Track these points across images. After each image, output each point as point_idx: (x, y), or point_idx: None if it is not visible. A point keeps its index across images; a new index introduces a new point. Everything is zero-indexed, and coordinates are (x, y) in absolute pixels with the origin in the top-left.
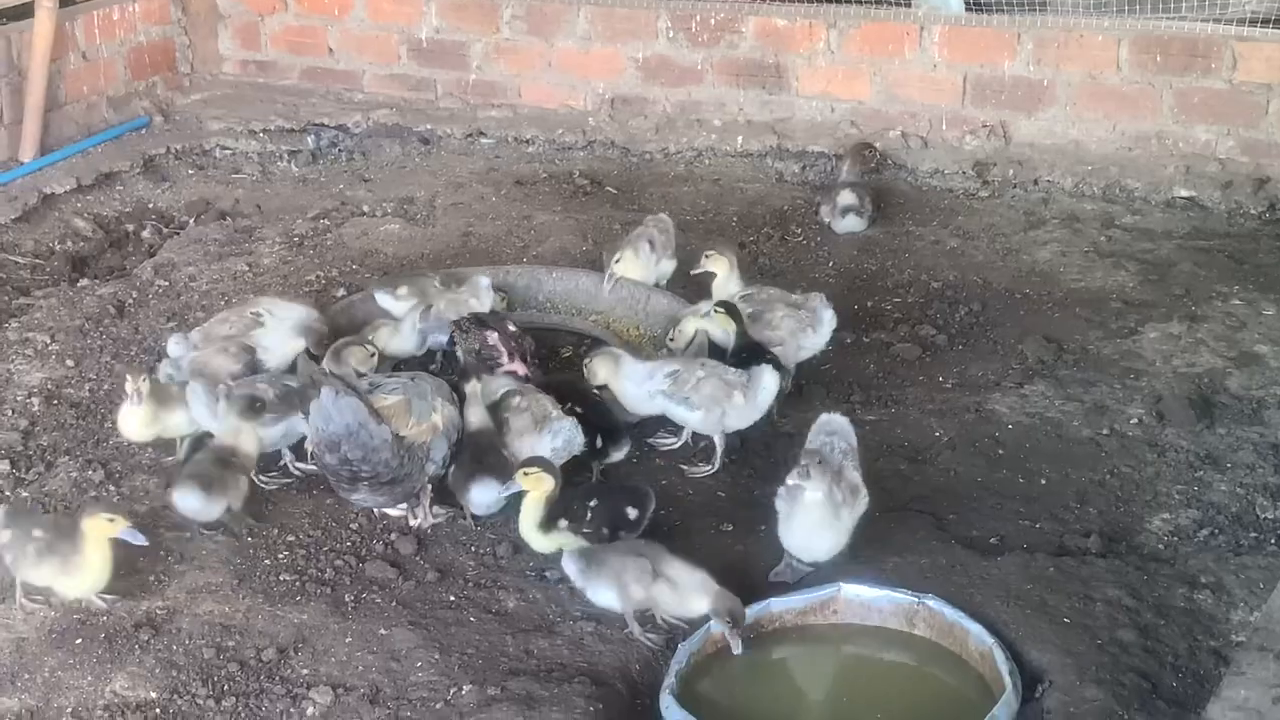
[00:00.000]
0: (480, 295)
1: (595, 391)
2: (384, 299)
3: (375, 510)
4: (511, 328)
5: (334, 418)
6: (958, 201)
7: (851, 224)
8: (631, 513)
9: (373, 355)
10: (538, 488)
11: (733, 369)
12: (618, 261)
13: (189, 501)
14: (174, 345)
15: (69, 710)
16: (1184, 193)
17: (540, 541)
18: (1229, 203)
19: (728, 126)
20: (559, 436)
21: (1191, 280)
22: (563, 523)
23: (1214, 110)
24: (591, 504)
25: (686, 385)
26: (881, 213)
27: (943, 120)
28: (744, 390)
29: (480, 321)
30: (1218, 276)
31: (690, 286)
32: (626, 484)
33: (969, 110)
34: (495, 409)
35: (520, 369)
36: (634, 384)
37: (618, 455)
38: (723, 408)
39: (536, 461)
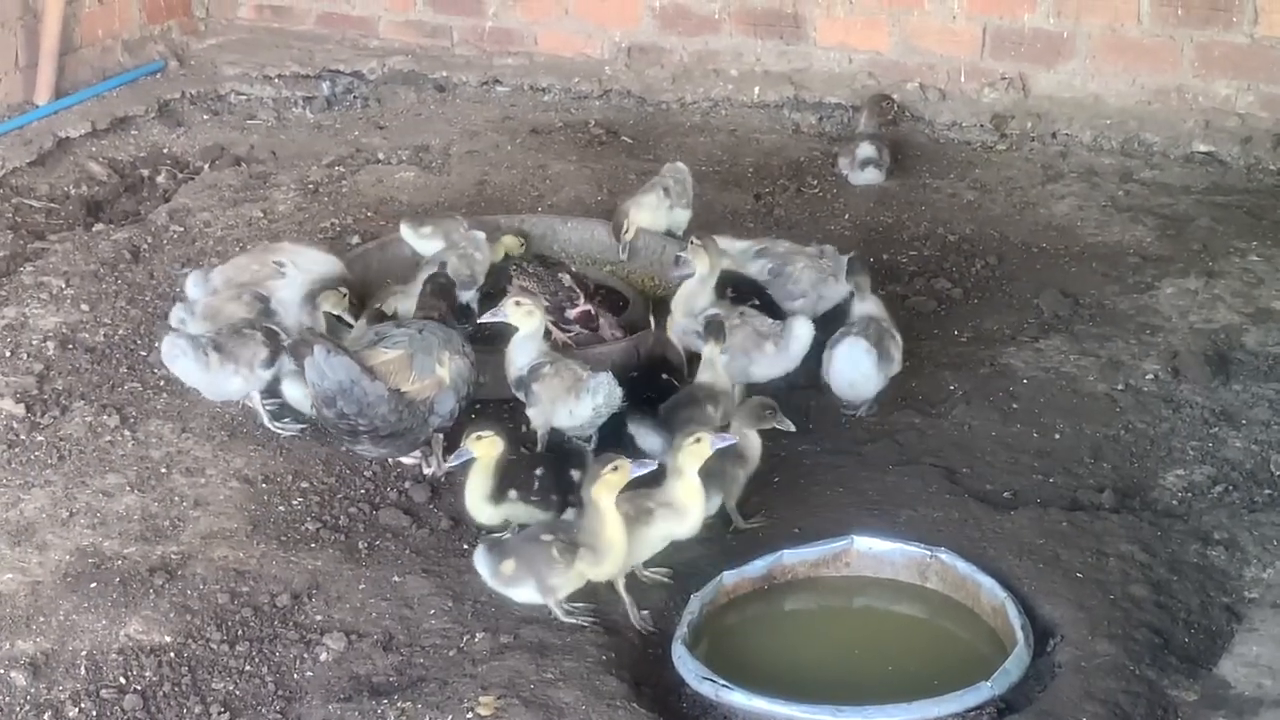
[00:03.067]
0: (481, 248)
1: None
2: (408, 234)
3: (389, 459)
4: (573, 268)
5: (327, 375)
6: (975, 154)
7: (870, 176)
8: (575, 474)
9: (344, 296)
10: (490, 452)
11: (769, 319)
12: (627, 233)
13: (293, 393)
14: (192, 285)
15: (84, 653)
16: (1203, 147)
17: (488, 513)
18: (1248, 158)
19: (744, 76)
20: (598, 393)
21: (1209, 236)
22: (512, 493)
23: (1235, 64)
24: (537, 472)
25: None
26: (898, 165)
27: (961, 72)
28: (776, 340)
29: (547, 264)
30: (1236, 232)
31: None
32: (566, 446)
33: (988, 62)
34: (523, 383)
35: (591, 308)
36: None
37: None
38: (750, 356)
39: (486, 425)
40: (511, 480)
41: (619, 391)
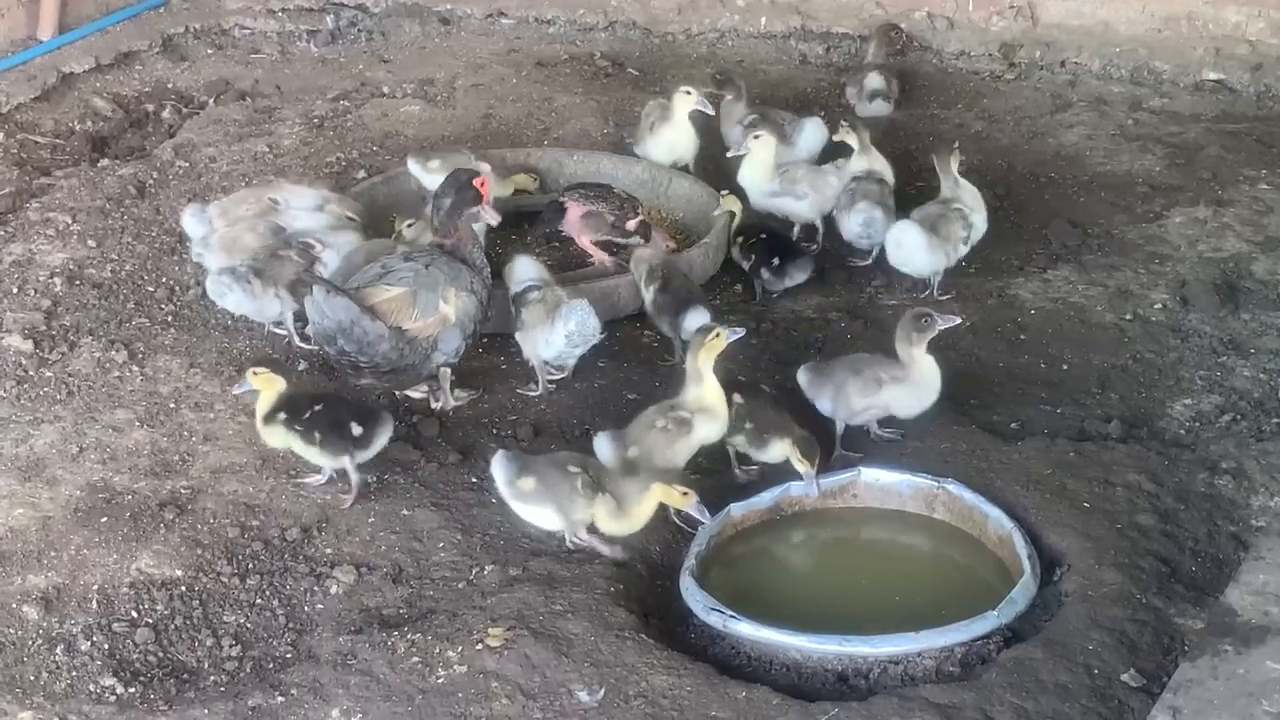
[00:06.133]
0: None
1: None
2: (415, 168)
3: (397, 393)
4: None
5: (327, 314)
6: (983, 84)
7: (878, 108)
8: (355, 429)
9: None
10: (268, 388)
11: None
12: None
13: None
14: (189, 218)
15: (95, 588)
16: (1213, 75)
17: (265, 433)
18: (1258, 85)
19: (751, 7)
20: (570, 319)
21: (1219, 164)
22: (281, 415)
23: None
24: (316, 407)
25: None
26: (906, 95)
27: (969, 1)
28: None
29: (599, 185)
30: (1245, 160)
31: (712, 170)
32: (371, 403)
33: None
34: (515, 301)
35: (646, 219)
36: None
37: (800, 277)
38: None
39: (266, 363)
40: (286, 406)
41: (594, 322)
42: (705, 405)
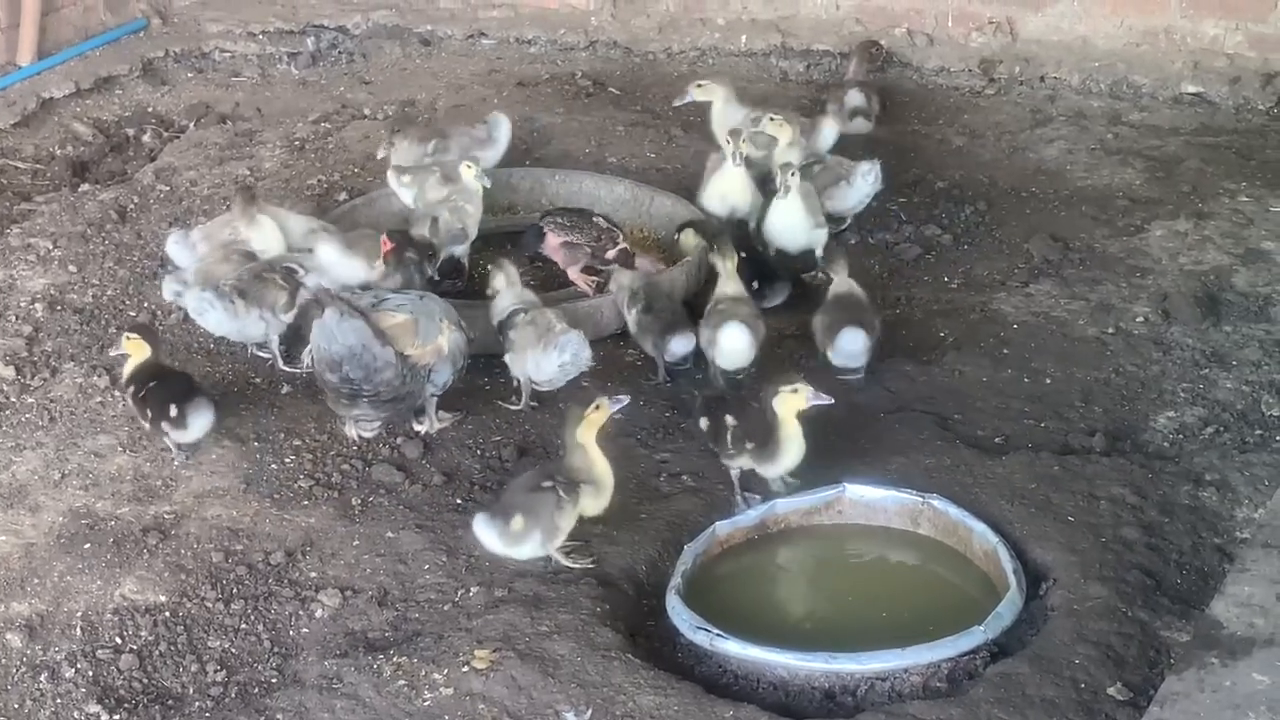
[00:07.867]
0: (473, 200)
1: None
2: (393, 182)
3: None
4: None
5: (338, 338)
6: (964, 99)
7: (859, 125)
8: (172, 410)
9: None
10: (136, 353)
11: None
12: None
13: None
14: (173, 244)
15: (79, 614)
16: (1191, 88)
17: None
18: (1236, 98)
19: (731, 25)
20: (565, 350)
21: (1198, 177)
22: (130, 388)
23: (1222, 4)
24: (151, 383)
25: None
26: (886, 112)
27: (949, 17)
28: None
29: (579, 211)
30: (1225, 173)
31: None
32: (198, 388)
33: (975, 6)
34: (502, 328)
35: (628, 247)
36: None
37: (777, 299)
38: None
39: (137, 328)
40: (147, 399)
41: (588, 353)
42: (596, 474)
